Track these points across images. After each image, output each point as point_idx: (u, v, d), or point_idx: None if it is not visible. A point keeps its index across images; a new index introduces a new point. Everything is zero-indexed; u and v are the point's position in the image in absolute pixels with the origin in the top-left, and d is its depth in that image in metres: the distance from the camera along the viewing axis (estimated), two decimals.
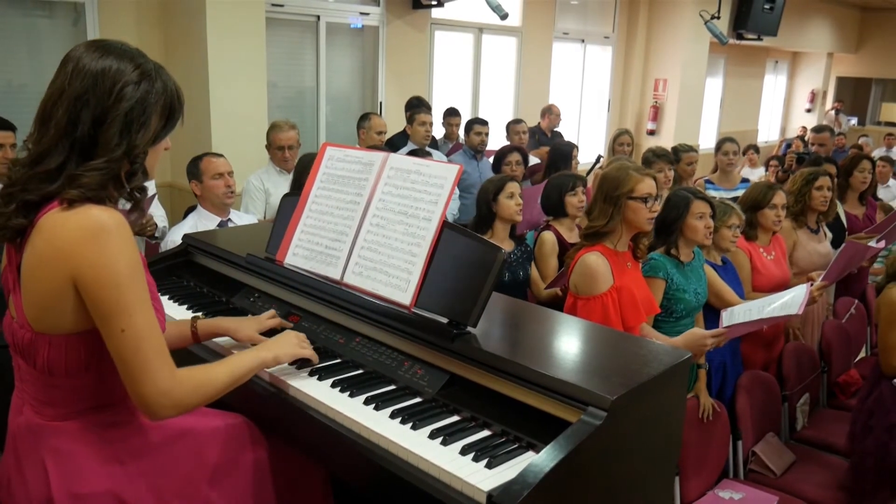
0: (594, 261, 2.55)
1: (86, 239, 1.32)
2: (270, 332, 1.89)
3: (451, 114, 6.33)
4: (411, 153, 4.47)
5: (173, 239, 3.20)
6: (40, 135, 1.37)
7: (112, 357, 1.38)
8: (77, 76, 1.36)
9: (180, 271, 2.46)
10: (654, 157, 4.54)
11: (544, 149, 6.23)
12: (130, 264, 1.35)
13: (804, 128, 13.11)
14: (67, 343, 1.39)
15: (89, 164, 1.35)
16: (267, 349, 1.71)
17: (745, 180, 5.35)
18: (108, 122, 1.36)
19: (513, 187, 3.35)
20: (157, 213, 3.66)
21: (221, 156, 3.47)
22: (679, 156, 4.92)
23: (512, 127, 6.12)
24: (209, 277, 2.37)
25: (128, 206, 1.44)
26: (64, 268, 1.33)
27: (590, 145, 9.00)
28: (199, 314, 2.08)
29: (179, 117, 1.50)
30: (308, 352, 1.78)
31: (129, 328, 1.34)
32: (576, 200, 3.65)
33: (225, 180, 3.38)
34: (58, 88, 1.37)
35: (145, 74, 1.40)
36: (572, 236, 3.62)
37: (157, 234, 3.56)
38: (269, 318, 1.93)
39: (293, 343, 1.76)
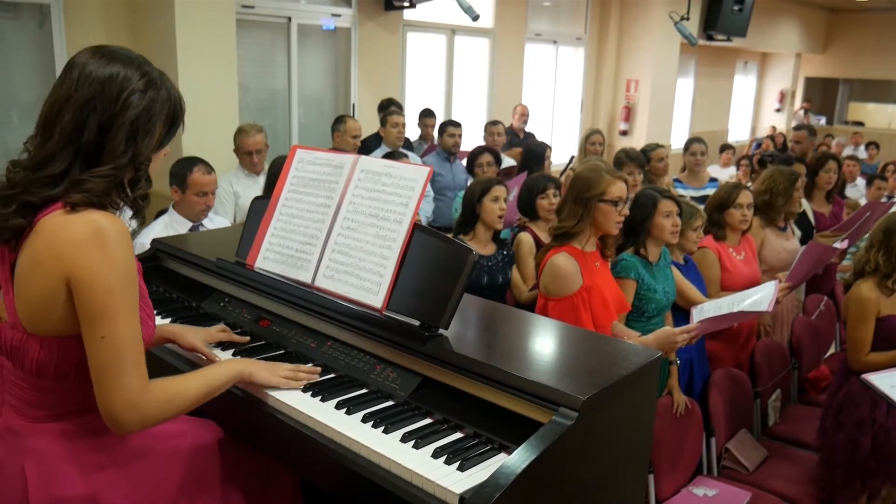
0: (563, 262, 2.56)
1: (85, 242, 1.32)
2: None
3: (427, 115, 6.32)
4: (387, 156, 4.46)
5: (142, 242, 3.15)
6: (43, 139, 1.37)
7: (88, 362, 1.37)
8: (84, 82, 1.36)
9: (149, 276, 2.41)
10: (627, 159, 4.58)
11: (517, 150, 6.25)
12: (126, 272, 1.36)
13: (773, 127, 13.31)
14: (59, 345, 1.39)
15: (95, 171, 1.36)
16: (245, 363, 1.67)
17: (713, 180, 5.42)
18: (115, 129, 1.37)
19: (499, 191, 3.29)
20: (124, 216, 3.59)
21: (212, 171, 3.34)
22: (648, 156, 4.96)
23: (489, 128, 6.13)
24: (179, 282, 2.34)
25: (129, 213, 1.45)
26: (59, 268, 1.33)
27: (563, 146, 9.05)
28: (167, 321, 2.05)
29: (181, 124, 1.52)
30: (293, 384, 1.70)
31: (110, 335, 1.34)
32: (546, 203, 3.63)
33: (206, 199, 3.30)
34: (64, 94, 1.37)
35: (151, 82, 1.42)
36: (548, 237, 3.62)
37: None
38: (218, 331, 1.90)
39: (277, 372, 1.69)
